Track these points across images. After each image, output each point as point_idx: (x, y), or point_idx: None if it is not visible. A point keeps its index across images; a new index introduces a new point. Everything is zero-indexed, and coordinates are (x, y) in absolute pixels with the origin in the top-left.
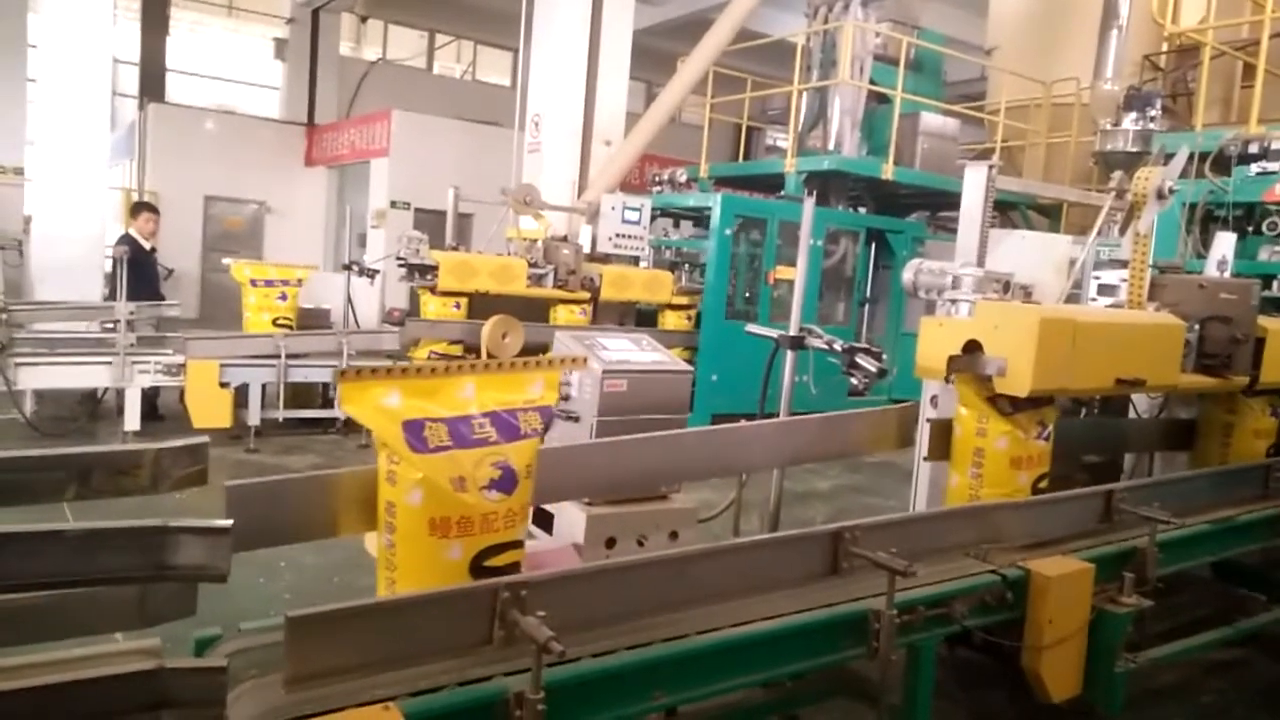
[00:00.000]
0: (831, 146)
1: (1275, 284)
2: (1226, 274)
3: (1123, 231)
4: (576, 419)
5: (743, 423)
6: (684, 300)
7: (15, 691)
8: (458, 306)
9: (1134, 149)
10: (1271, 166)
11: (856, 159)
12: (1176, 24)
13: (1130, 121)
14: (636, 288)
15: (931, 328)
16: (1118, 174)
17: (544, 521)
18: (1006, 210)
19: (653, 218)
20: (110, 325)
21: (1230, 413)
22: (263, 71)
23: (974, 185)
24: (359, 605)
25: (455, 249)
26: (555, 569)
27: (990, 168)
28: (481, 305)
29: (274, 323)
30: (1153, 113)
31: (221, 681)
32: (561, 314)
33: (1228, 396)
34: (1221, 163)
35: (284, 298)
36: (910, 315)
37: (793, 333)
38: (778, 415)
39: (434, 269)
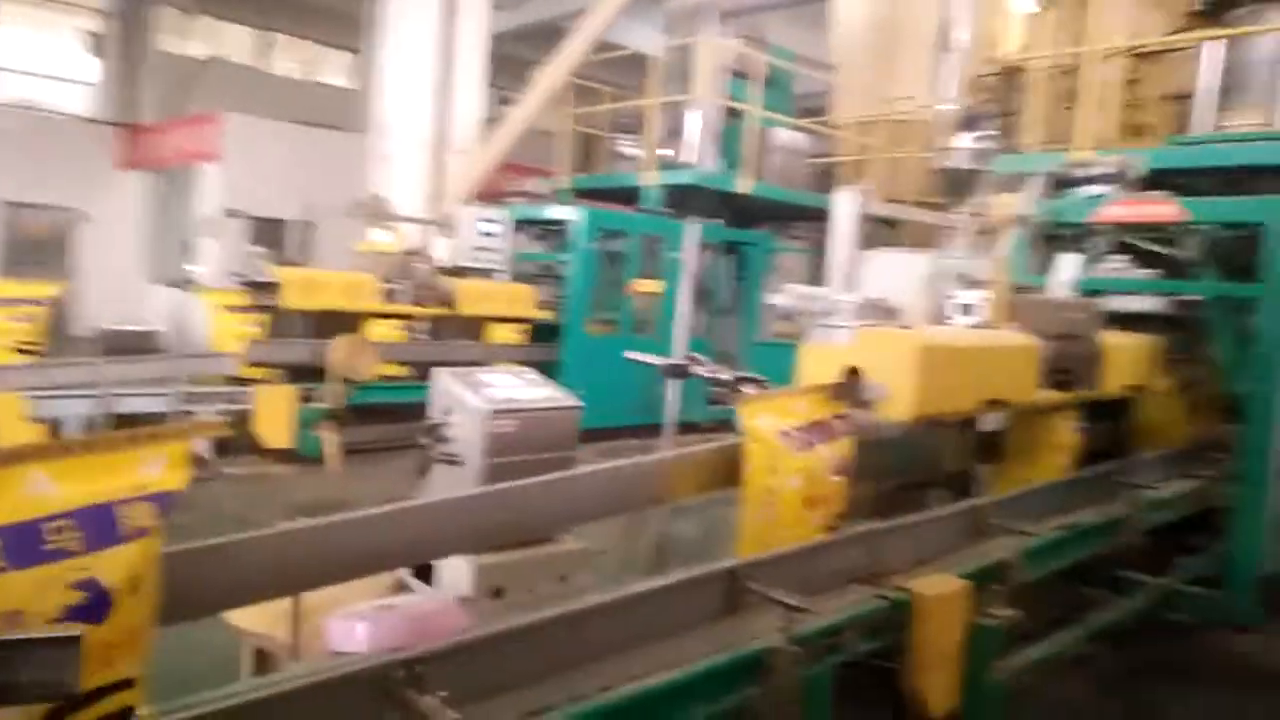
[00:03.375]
0: (688, 159)
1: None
2: (1071, 294)
3: (978, 252)
4: (460, 463)
5: (639, 458)
6: (515, 313)
7: None
8: (258, 325)
9: (971, 167)
10: (1098, 190)
11: (715, 173)
12: (1002, 50)
13: (966, 140)
14: (497, 302)
15: (812, 354)
16: (978, 198)
17: (423, 572)
18: None
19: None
20: None
21: (1035, 429)
22: (76, 67)
23: (845, 209)
24: (227, 707)
25: (299, 265)
26: (446, 631)
27: (862, 192)
28: (328, 323)
29: (17, 350)
30: (986, 132)
31: None
32: (379, 329)
33: (1033, 413)
34: (1054, 184)
35: (29, 319)
36: (764, 326)
37: (676, 361)
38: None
39: (276, 286)
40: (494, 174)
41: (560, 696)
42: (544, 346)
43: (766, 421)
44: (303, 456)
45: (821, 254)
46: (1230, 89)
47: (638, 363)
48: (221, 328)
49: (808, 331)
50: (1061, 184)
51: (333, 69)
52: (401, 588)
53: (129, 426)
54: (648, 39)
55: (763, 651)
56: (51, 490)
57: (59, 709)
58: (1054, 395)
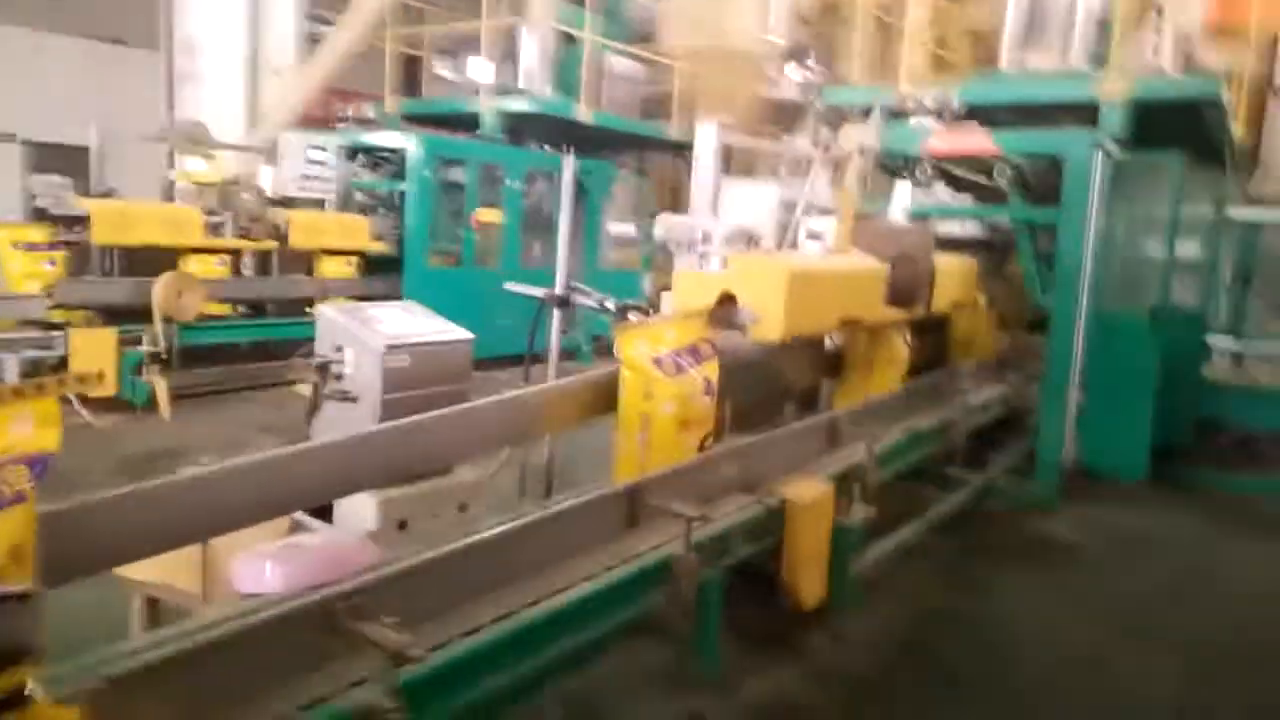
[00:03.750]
0: (525, 86)
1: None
2: (907, 220)
3: (824, 181)
4: (354, 399)
5: (528, 389)
6: (349, 246)
7: None
8: (52, 264)
9: (798, 98)
10: (925, 122)
11: (554, 101)
12: None
13: (792, 72)
14: (330, 234)
15: (687, 280)
16: (806, 129)
17: (321, 510)
18: (685, 150)
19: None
20: None
21: (871, 345)
22: None
23: (707, 140)
24: (174, 654)
25: (108, 194)
26: (358, 565)
27: (720, 125)
28: (142, 260)
29: None
30: (811, 65)
31: None
32: (193, 265)
33: (869, 331)
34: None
35: None
36: (603, 254)
37: (559, 291)
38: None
39: (84, 220)
40: (317, 98)
41: (491, 614)
42: (382, 280)
43: (641, 349)
44: (128, 404)
45: (649, 182)
46: (1031, 30)
47: (515, 293)
48: (14, 267)
49: (676, 259)
50: (888, 116)
51: None
52: (296, 527)
53: None
54: None
55: (669, 558)
56: None
57: None
58: (895, 313)
